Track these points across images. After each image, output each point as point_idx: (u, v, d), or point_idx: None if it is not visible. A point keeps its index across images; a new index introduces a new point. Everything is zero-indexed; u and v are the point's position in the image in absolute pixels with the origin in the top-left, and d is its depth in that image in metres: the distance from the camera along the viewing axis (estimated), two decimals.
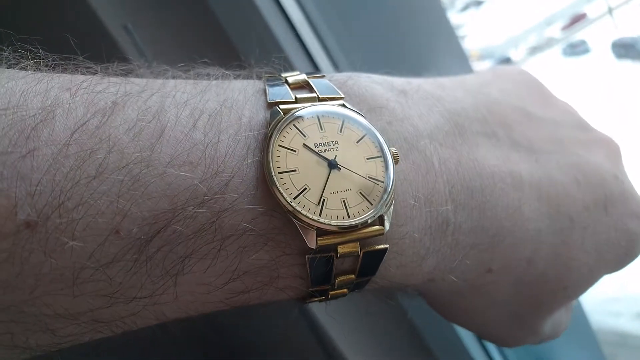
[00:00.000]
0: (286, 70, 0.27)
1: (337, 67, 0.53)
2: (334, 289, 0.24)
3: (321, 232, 0.22)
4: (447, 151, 0.26)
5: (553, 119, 0.32)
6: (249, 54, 0.48)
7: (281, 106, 0.23)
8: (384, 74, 0.30)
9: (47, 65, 0.22)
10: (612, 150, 0.34)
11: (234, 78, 0.26)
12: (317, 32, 0.52)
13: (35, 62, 0.21)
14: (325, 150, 0.23)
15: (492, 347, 0.59)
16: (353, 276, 0.24)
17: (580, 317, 0.62)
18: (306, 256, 0.22)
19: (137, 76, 0.24)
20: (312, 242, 0.22)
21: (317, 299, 0.24)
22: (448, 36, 0.60)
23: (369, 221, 0.23)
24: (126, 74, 0.23)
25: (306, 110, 0.23)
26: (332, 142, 0.23)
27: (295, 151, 0.22)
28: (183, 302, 0.22)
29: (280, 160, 0.22)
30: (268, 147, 0.22)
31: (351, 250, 0.23)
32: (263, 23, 0.46)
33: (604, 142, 0.33)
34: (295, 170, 0.22)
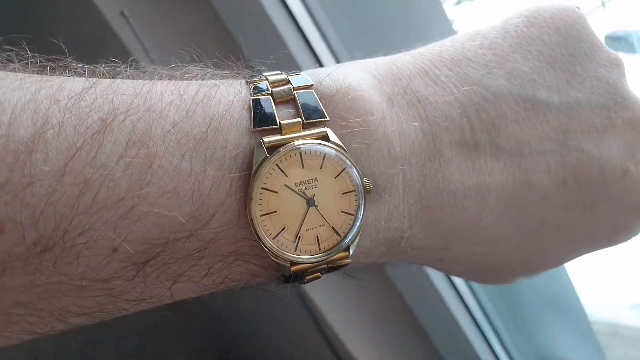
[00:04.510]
0: (271, 67, 0.27)
1: (333, 51, 0.52)
2: (304, 282, 0.26)
3: (294, 264, 0.24)
4: (415, 172, 0.26)
5: (573, 101, 0.28)
6: (244, 38, 0.47)
7: (265, 139, 0.23)
8: (382, 54, 0.30)
9: (35, 66, 0.22)
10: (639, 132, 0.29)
11: (221, 78, 0.26)
12: (315, 18, 0.52)
13: (22, 65, 0.22)
14: (305, 189, 0.24)
15: (494, 339, 0.59)
16: (319, 274, 0.26)
17: (578, 310, 0.63)
18: (280, 274, 0.25)
19: (124, 77, 0.24)
20: (285, 272, 0.24)
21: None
22: (445, 30, 0.60)
23: (338, 253, 0.25)
24: (114, 75, 0.24)
25: (290, 147, 0.24)
26: (312, 179, 0.24)
27: (276, 192, 0.23)
28: (177, 297, 0.25)
29: (262, 203, 0.23)
30: (252, 191, 0.23)
31: (319, 270, 0.26)
32: (259, 6, 0.46)
33: (633, 123, 0.29)
34: (276, 212, 0.23)
